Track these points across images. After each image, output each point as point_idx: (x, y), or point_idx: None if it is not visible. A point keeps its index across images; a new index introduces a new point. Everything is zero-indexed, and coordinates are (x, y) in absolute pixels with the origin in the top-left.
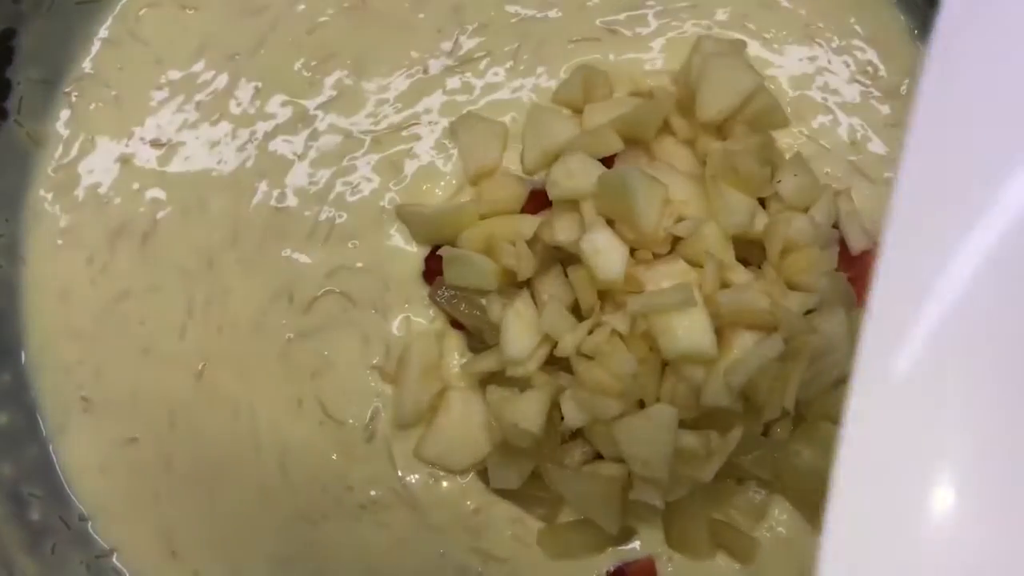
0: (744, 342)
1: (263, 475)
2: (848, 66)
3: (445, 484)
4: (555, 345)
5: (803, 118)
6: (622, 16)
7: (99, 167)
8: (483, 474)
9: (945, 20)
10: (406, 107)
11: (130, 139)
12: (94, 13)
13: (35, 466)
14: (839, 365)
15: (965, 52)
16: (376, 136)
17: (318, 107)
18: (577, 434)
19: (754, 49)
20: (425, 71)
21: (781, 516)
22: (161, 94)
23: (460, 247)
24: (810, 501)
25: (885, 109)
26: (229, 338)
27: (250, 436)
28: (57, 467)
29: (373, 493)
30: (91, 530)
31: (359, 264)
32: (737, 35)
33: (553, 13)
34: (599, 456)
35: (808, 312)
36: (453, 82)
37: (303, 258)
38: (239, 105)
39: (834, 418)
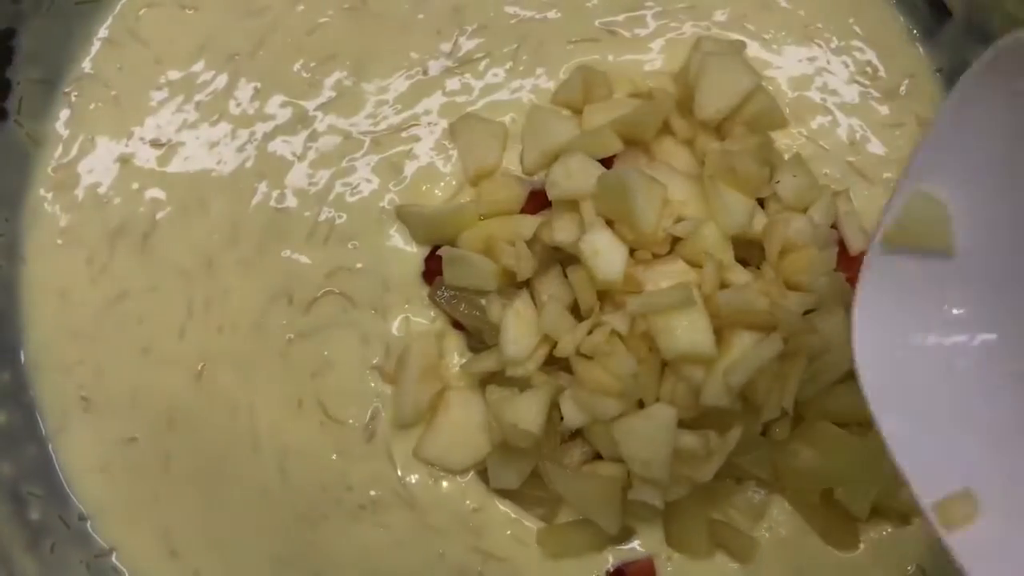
0: (743, 342)
1: (263, 475)
2: (847, 67)
3: (445, 484)
4: (555, 345)
5: (802, 119)
6: (621, 17)
7: (99, 167)
8: (483, 474)
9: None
10: (406, 108)
11: (130, 139)
12: (94, 13)
13: (35, 465)
14: (838, 365)
15: None
16: (376, 137)
17: (317, 108)
18: (576, 434)
19: (753, 50)
20: (425, 72)
21: (780, 516)
22: (161, 94)
23: (460, 247)
24: (809, 501)
25: (884, 110)
26: (229, 338)
27: (250, 436)
28: (57, 466)
29: (373, 493)
30: (90, 529)
31: (359, 265)
32: (736, 36)
33: (552, 14)
34: (598, 456)
35: (807, 312)
36: (453, 83)
37: (303, 258)
38: (239, 105)
39: (833, 418)
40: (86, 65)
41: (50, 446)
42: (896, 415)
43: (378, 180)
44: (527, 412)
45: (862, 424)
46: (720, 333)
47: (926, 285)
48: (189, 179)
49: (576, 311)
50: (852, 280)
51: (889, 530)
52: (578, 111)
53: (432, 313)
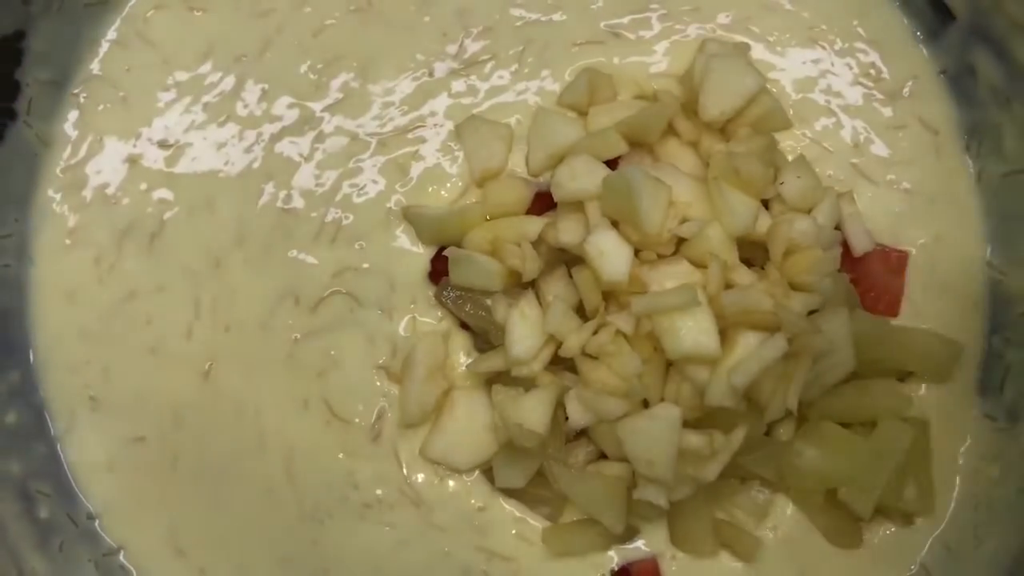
0: (748, 342)
1: (269, 474)
2: (851, 69)
3: (450, 483)
4: (560, 345)
5: (806, 120)
6: (626, 19)
7: (107, 168)
8: (488, 473)
9: None
10: (412, 110)
11: (138, 140)
12: (102, 15)
13: (43, 464)
14: (842, 365)
15: None
16: (382, 138)
17: (324, 109)
18: (582, 434)
19: (757, 52)
20: (430, 74)
21: (784, 515)
22: (168, 95)
23: (466, 248)
24: (813, 501)
25: (888, 112)
26: (236, 338)
27: (256, 435)
28: (65, 465)
29: (379, 492)
30: (98, 528)
31: (365, 265)
32: (740, 38)
33: (557, 16)
34: (603, 456)
35: (811, 313)
36: (458, 85)
37: (310, 259)
38: (246, 107)
39: (837, 418)
40: (94, 67)
41: (58, 445)
42: None
43: (384, 181)
44: (532, 412)
45: (866, 424)
46: (724, 333)
47: None
48: (197, 180)
49: (581, 311)
50: (856, 281)
51: (892, 530)
52: (583, 113)
53: (439, 313)
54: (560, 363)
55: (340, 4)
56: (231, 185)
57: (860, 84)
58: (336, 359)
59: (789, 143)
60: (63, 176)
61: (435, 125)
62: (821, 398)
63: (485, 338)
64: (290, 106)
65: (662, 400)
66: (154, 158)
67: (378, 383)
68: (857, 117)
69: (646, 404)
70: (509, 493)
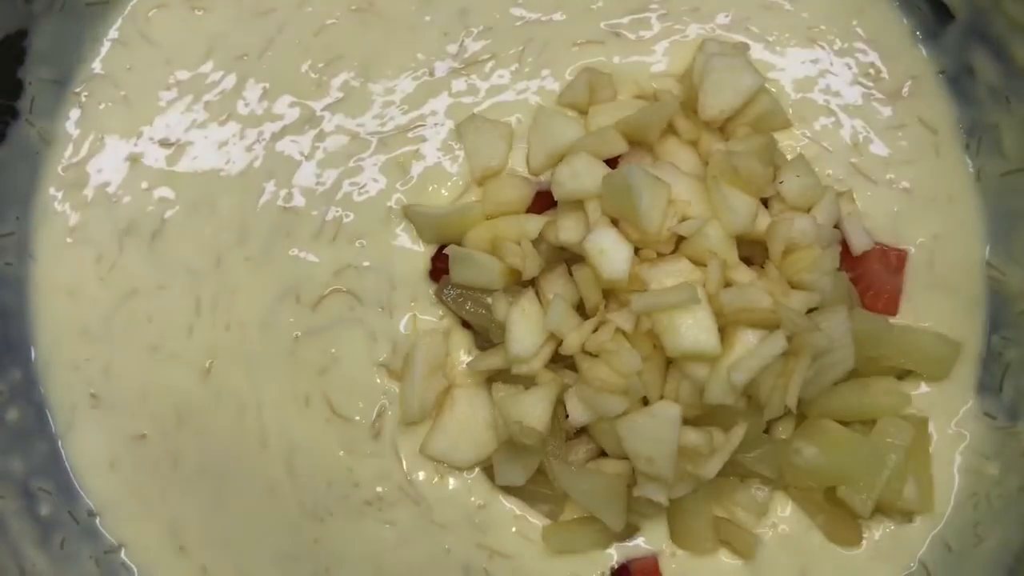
0: (747, 340)
1: (270, 472)
2: (850, 68)
3: (451, 481)
4: (560, 343)
5: (805, 120)
6: (626, 19)
7: (108, 166)
8: (489, 471)
9: None
10: (412, 109)
11: (139, 139)
12: (104, 14)
13: (44, 462)
14: (841, 363)
15: None
16: (383, 137)
17: (325, 108)
18: (582, 431)
19: (756, 52)
20: (431, 73)
21: (783, 513)
22: (170, 94)
23: (466, 246)
24: (812, 498)
25: (887, 111)
26: (237, 336)
27: (257, 433)
28: (66, 463)
29: (379, 489)
30: (99, 525)
31: (366, 263)
32: (740, 38)
33: (558, 16)
34: (603, 453)
35: (810, 311)
36: (459, 84)
37: (310, 257)
38: (247, 106)
39: (836, 416)
40: (96, 65)
41: (60, 443)
42: None
43: (385, 180)
44: (533, 409)
45: (865, 422)
46: (724, 331)
47: None
48: (198, 178)
49: (581, 309)
50: (855, 280)
51: (892, 528)
52: (583, 112)
53: (439, 311)
54: (560, 361)
55: (341, 3)
56: (232, 184)
57: (859, 84)
58: (337, 357)
59: (788, 143)
60: (64, 174)
61: (436, 124)
62: (820, 396)
63: (485, 336)
64: (291, 105)
65: (662, 398)
66: (155, 157)
67: (379, 381)
68: (856, 116)
69: (646, 402)
70: (509, 491)
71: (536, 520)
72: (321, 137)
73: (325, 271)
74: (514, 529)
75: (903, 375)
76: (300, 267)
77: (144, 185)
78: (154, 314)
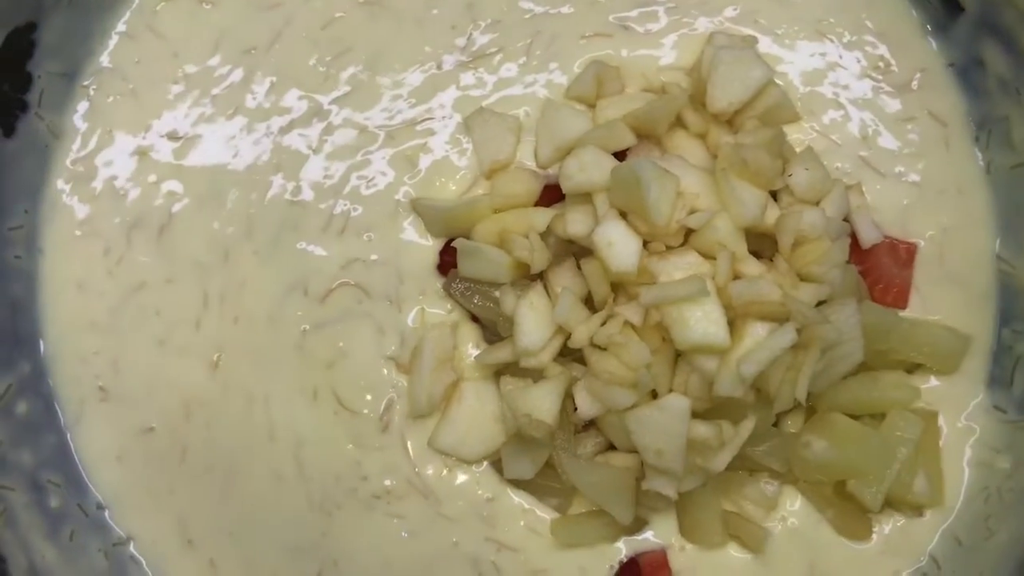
0: (756, 333)
1: (278, 465)
2: (859, 61)
3: (459, 474)
4: (568, 336)
5: (814, 113)
6: (634, 12)
7: (116, 160)
8: (497, 464)
9: None
10: (420, 102)
11: (147, 132)
12: (112, 7)
13: (53, 454)
14: (851, 356)
15: None
16: (391, 131)
17: (333, 102)
18: (590, 425)
19: (765, 45)
20: (439, 66)
21: (792, 507)
22: (178, 88)
23: (474, 240)
24: (822, 492)
25: (896, 104)
26: (244, 329)
27: (265, 426)
28: (75, 456)
29: (387, 483)
30: (108, 518)
31: (374, 257)
32: (748, 31)
33: (566, 9)
34: (612, 447)
35: (820, 303)
36: (467, 77)
37: (318, 250)
38: (255, 99)
39: (846, 409)
40: (104, 59)
41: (68, 436)
42: None
43: (393, 173)
44: (541, 403)
45: (875, 416)
46: (733, 324)
47: None
48: (205, 172)
49: (590, 302)
50: (864, 273)
51: (902, 521)
52: (591, 105)
53: (447, 305)
54: (569, 354)
55: None
56: (240, 177)
57: (868, 77)
58: (345, 350)
59: (797, 136)
60: (73, 168)
61: (443, 117)
62: (830, 389)
63: (493, 329)
64: (299, 98)
65: (671, 391)
66: (163, 150)
67: (387, 374)
68: (865, 110)
69: (655, 395)
70: (518, 484)
71: (544, 514)
72: (329, 131)
73: (333, 264)
74: (522, 523)
75: (913, 368)
76: (308, 260)
77: (152, 178)
78: (162, 307)
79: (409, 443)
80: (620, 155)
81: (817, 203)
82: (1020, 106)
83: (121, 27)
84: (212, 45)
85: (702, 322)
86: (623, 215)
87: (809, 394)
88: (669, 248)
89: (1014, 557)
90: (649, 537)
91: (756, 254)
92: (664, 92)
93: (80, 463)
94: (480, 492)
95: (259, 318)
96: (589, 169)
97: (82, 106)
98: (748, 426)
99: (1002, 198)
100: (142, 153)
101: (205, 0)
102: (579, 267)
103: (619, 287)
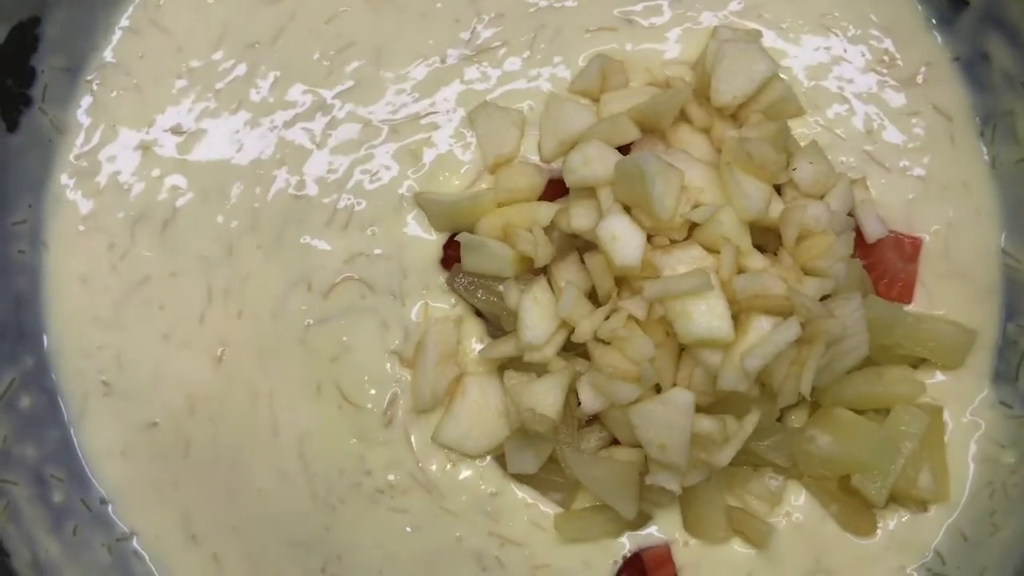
0: (760, 327)
1: (282, 460)
2: (864, 55)
3: (462, 469)
4: (572, 331)
5: (819, 107)
6: (638, 6)
7: (120, 155)
8: (500, 459)
9: None
10: (424, 96)
11: (151, 127)
12: (116, 2)
13: (57, 449)
14: (855, 351)
15: None
16: (394, 125)
17: (336, 96)
18: (594, 419)
19: (769, 39)
20: (443, 60)
21: (797, 502)
22: (181, 82)
23: (478, 234)
24: (826, 487)
25: (901, 98)
26: (248, 324)
27: (269, 421)
28: (78, 450)
29: (391, 477)
30: (111, 513)
31: (377, 251)
32: (753, 25)
33: (570, 3)
34: (616, 441)
35: (824, 298)
36: (471, 71)
37: (322, 245)
38: (258, 94)
39: (850, 404)
40: (108, 54)
41: (72, 430)
42: None
43: (397, 167)
44: (545, 397)
45: (879, 411)
46: (737, 318)
47: None
48: (209, 167)
49: (593, 297)
50: (869, 267)
51: (906, 517)
52: (595, 99)
53: (451, 299)
54: (572, 348)
55: None
56: (243, 172)
57: (873, 71)
58: (348, 345)
59: (802, 130)
60: (76, 163)
61: (447, 111)
62: (834, 384)
63: (497, 324)
64: (303, 93)
65: (675, 385)
66: (167, 145)
67: (390, 369)
68: (870, 104)
69: (658, 389)
70: (521, 479)
71: (548, 508)
72: (332, 125)
73: (336, 259)
74: (526, 517)
75: (918, 363)
76: (312, 255)
77: (156, 173)
78: (166, 302)
79: (413, 438)
80: (624, 149)
81: (821, 197)
82: None
83: (124, 22)
84: (216, 39)
85: (706, 316)
86: (627, 209)
87: (813, 389)
88: (673, 242)
89: (1019, 552)
90: (653, 532)
91: (760, 248)
92: (668, 86)
93: (83, 458)
94: (484, 487)
95: (263, 313)
96: (593, 163)
97: (86, 101)
98: (752, 421)
99: (1007, 192)
100: (146, 148)
101: None
102: (583, 261)
103: (623, 281)
